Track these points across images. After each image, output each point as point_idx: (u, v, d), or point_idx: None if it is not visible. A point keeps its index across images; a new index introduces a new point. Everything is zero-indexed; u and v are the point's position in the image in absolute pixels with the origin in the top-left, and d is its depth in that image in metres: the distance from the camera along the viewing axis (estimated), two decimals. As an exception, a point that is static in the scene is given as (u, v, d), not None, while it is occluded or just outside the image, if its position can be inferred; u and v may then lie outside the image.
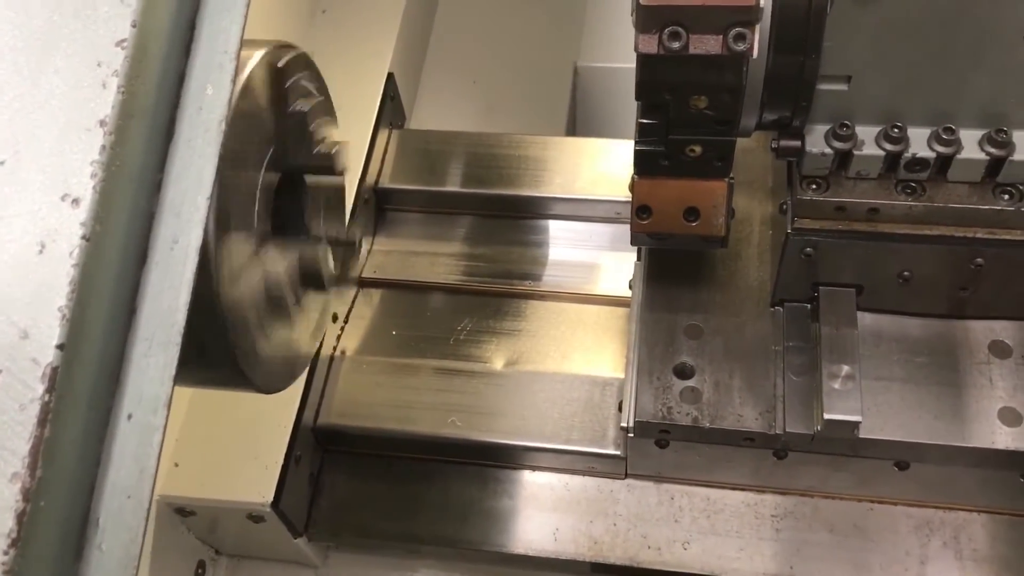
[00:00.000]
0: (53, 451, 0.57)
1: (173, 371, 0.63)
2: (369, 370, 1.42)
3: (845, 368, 1.15)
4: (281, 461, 1.29)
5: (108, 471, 0.62)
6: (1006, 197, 1.11)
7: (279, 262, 1.03)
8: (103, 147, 0.62)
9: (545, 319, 1.48)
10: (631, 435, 1.25)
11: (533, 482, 1.35)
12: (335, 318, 1.46)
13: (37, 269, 0.60)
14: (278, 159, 1.02)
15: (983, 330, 1.22)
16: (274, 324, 1.03)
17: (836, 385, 1.14)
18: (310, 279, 1.10)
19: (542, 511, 1.32)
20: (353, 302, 1.50)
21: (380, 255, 1.56)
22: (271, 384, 1.06)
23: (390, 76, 1.68)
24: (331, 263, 1.17)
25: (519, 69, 2.06)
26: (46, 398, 0.57)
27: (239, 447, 1.29)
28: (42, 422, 0.57)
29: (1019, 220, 1.12)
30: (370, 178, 1.55)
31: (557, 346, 1.45)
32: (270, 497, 1.26)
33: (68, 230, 0.60)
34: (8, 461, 0.56)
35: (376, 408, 1.38)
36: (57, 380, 0.58)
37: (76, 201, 0.61)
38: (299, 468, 1.33)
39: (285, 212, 1.08)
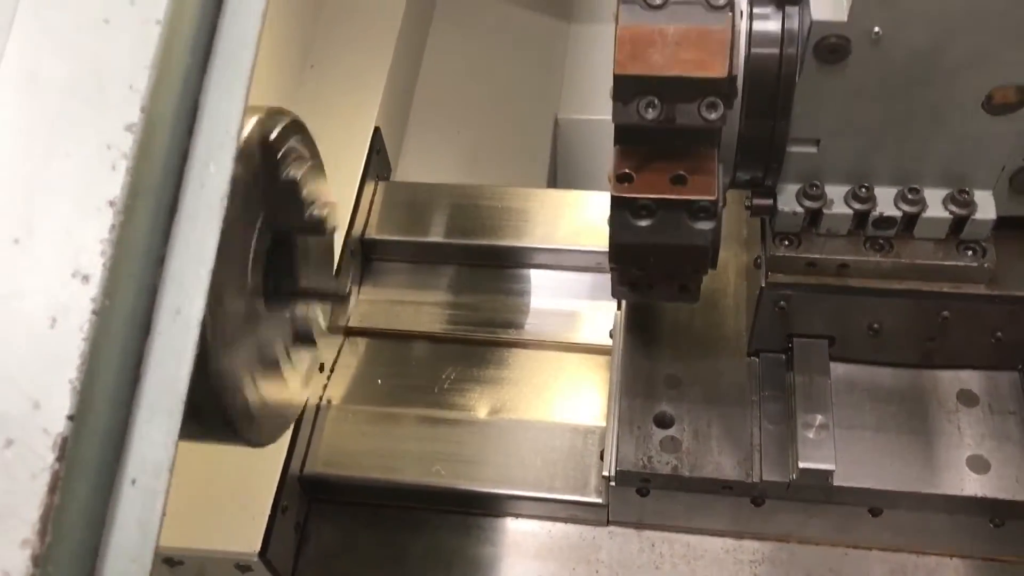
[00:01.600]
0: (61, 518, 0.60)
1: (175, 437, 0.66)
2: (355, 419, 1.44)
3: (819, 418, 1.19)
4: (268, 511, 1.31)
5: (112, 535, 0.64)
6: (969, 253, 1.16)
7: (271, 322, 1.07)
8: (112, 226, 0.66)
9: (528, 367, 1.51)
10: (612, 484, 1.27)
11: (517, 530, 1.37)
12: (321, 368, 1.49)
13: (49, 343, 0.63)
14: (269, 222, 1.06)
15: (951, 380, 1.26)
16: (265, 382, 1.06)
17: (810, 435, 1.18)
18: (301, 336, 1.13)
19: (525, 559, 1.34)
20: (339, 351, 1.53)
21: (366, 304, 1.59)
22: (261, 439, 1.09)
23: (376, 130, 1.72)
24: (321, 319, 1.20)
25: (502, 121, 2.10)
26: (56, 467, 0.60)
27: (226, 496, 1.31)
28: (52, 490, 0.60)
29: (982, 275, 1.16)
30: (356, 230, 1.59)
31: (540, 394, 1.48)
32: (257, 546, 1.27)
33: (79, 305, 0.63)
34: (19, 529, 0.58)
35: (361, 457, 1.41)
36: (67, 449, 0.61)
37: (86, 278, 0.65)
38: (286, 517, 1.35)
39: (276, 271, 1.12)
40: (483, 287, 1.61)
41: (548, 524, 1.38)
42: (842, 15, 0.98)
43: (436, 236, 1.63)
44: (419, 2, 2.10)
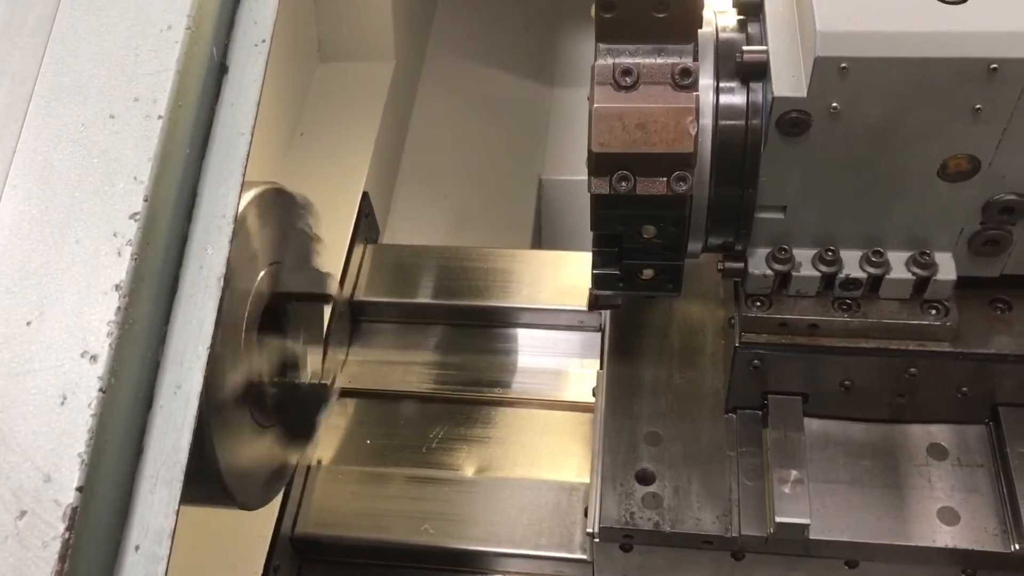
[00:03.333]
0: None
1: (176, 505, 0.72)
2: (344, 479, 1.47)
3: (794, 473, 1.21)
4: (260, 571, 1.34)
5: None
6: (933, 312, 1.20)
7: (264, 395, 1.12)
8: (118, 308, 0.73)
9: (513, 426, 1.54)
10: (596, 540, 1.29)
11: None
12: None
13: (59, 419, 0.69)
14: (264, 297, 1.11)
15: (921, 434, 1.28)
16: (260, 451, 1.11)
17: (786, 489, 1.20)
18: (293, 403, 1.18)
19: None
20: (328, 412, 1.57)
21: (355, 365, 1.61)
22: (256, 503, 1.14)
23: (365, 194, 1.77)
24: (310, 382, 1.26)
25: (487, 183, 2.16)
26: (66, 535, 0.66)
27: (219, 557, 1.35)
28: (62, 558, 0.65)
29: (946, 333, 1.20)
30: (345, 292, 1.62)
31: (525, 452, 1.50)
32: None
33: (87, 384, 0.69)
34: None
35: (351, 517, 1.43)
36: (76, 519, 0.66)
37: (94, 358, 0.71)
38: None
39: (270, 344, 1.17)
40: (469, 347, 1.63)
41: None
42: (801, 91, 1.03)
43: (423, 297, 1.65)
44: (405, 71, 2.18)
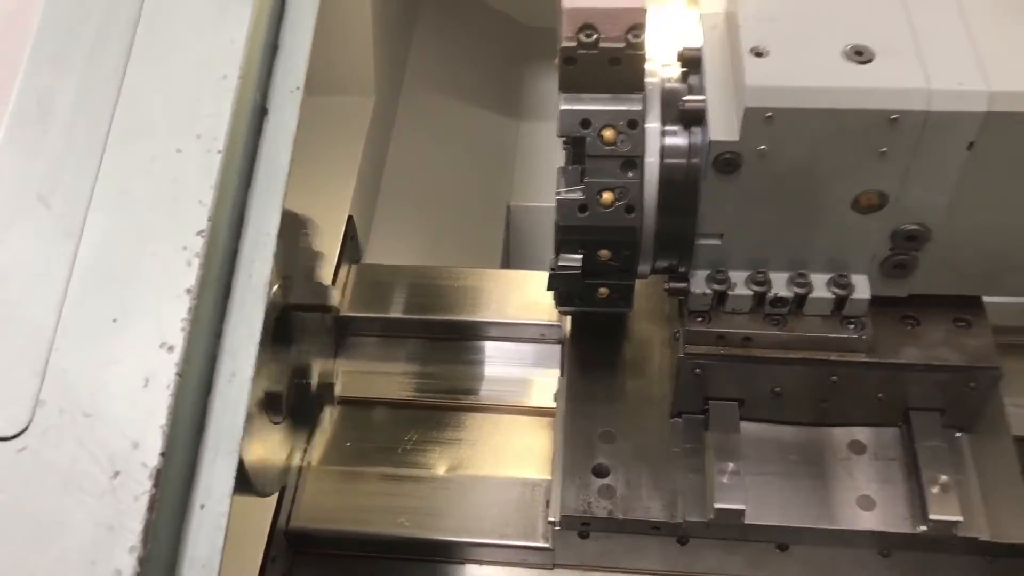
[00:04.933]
0: (156, 531, 0.78)
1: (234, 472, 0.84)
2: (331, 478, 1.52)
3: (731, 465, 1.29)
4: (259, 561, 1.39)
5: (187, 547, 0.82)
6: (851, 327, 1.27)
7: (277, 395, 1.24)
8: (190, 308, 0.85)
9: (483, 429, 1.58)
10: (557, 528, 1.36)
11: (488, 573, 1.46)
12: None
13: (144, 398, 0.81)
14: (278, 308, 1.24)
15: (843, 432, 1.36)
16: (273, 444, 1.24)
17: (724, 480, 1.28)
18: (302, 398, 1.31)
19: None
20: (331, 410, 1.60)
21: (341, 375, 1.65)
22: (271, 490, 1.27)
23: (350, 218, 1.83)
24: (315, 384, 1.38)
25: (460, 209, 2.21)
26: (153, 491, 0.78)
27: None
28: (151, 509, 0.77)
29: (862, 345, 1.27)
30: (334, 316, 1.63)
31: (493, 453, 1.55)
32: None
33: (166, 369, 0.82)
34: (127, 537, 0.76)
35: (337, 512, 1.48)
36: (159, 478, 0.79)
37: (171, 348, 0.83)
38: (275, 567, 1.42)
39: (282, 350, 1.29)
40: (443, 358, 1.67)
41: (503, 569, 1.45)
42: (734, 135, 1.11)
43: (402, 312, 1.71)
44: (384, 105, 2.22)
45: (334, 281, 1.71)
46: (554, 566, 1.44)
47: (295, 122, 1.01)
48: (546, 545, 1.42)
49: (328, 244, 1.71)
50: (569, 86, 1.16)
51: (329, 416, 1.64)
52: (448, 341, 1.70)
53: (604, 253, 1.24)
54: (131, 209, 0.89)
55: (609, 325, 1.49)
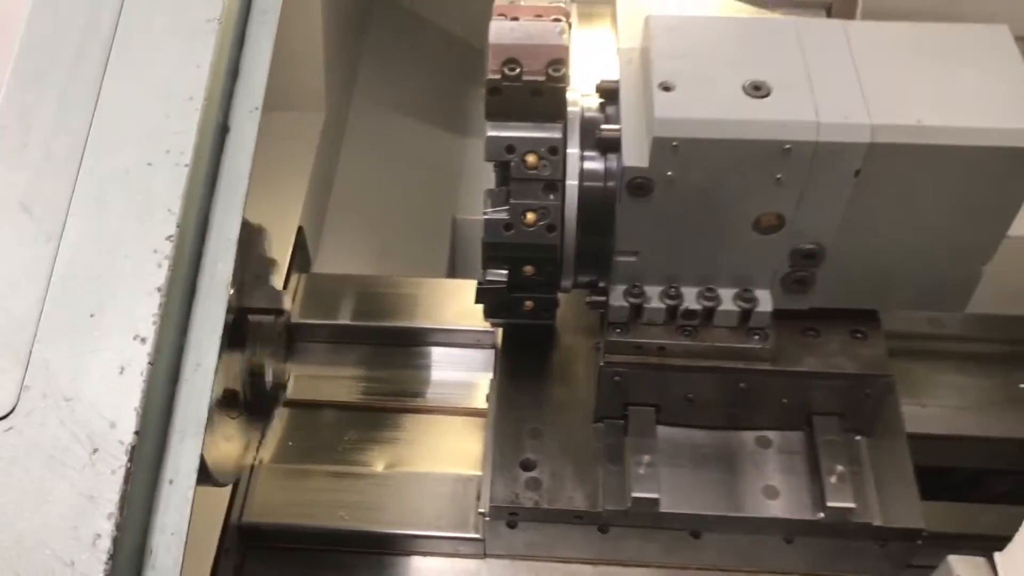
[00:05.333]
0: (131, 501, 0.87)
1: (199, 451, 0.94)
2: (281, 476, 1.56)
3: (646, 457, 1.35)
4: (214, 551, 1.44)
5: (158, 516, 0.91)
6: (756, 337, 1.31)
7: (233, 391, 1.32)
8: (160, 304, 0.94)
9: (420, 429, 1.63)
10: (487, 518, 1.40)
11: (418, 566, 1.52)
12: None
13: (119, 383, 0.91)
14: (233, 310, 1.31)
15: (752, 433, 1.41)
16: (229, 437, 1.32)
17: (640, 470, 1.34)
18: (256, 396, 1.39)
19: None
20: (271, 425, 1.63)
21: (291, 380, 1.69)
22: (227, 480, 1.35)
23: (300, 229, 1.87)
24: (269, 383, 1.47)
25: (407, 220, 2.26)
26: (128, 466, 0.87)
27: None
28: (126, 481, 0.86)
29: (766, 355, 1.32)
30: (285, 320, 1.66)
31: (429, 451, 1.60)
32: None
33: (139, 358, 0.91)
34: (106, 506, 0.86)
35: (285, 507, 1.52)
36: (134, 455, 0.88)
37: (143, 340, 0.93)
38: (228, 558, 1.47)
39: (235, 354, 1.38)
40: (386, 362, 1.72)
41: (442, 560, 1.49)
42: (645, 162, 1.16)
43: (349, 320, 1.75)
44: (334, 120, 2.28)
45: (284, 288, 1.74)
46: (486, 556, 1.49)
47: (253, 139, 1.10)
48: (477, 536, 1.47)
49: (279, 253, 1.75)
50: (495, 114, 1.21)
51: (279, 417, 1.68)
52: (391, 347, 1.75)
53: (528, 269, 1.30)
54: (106, 216, 0.99)
55: (539, 332, 1.54)
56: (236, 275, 1.31)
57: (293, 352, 1.75)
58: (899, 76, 1.19)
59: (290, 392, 1.70)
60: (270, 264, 1.51)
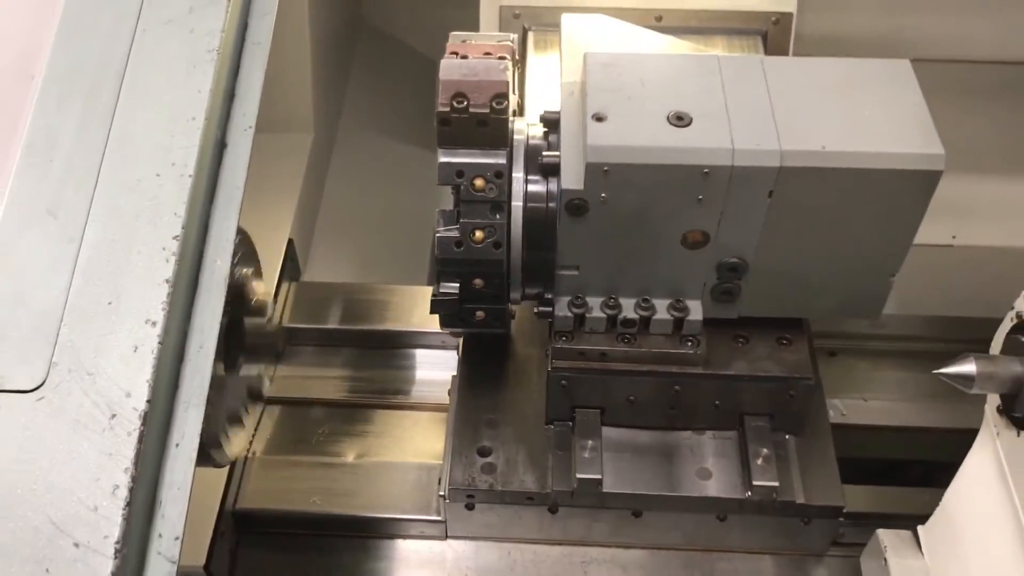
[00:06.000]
0: (143, 459, 0.98)
1: (201, 420, 1.04)
2: (271, 466, 1.68)
3: (591, 443, 1.42)
4: (210, 534, 1.53)
5: (166, 473, 1.02)
6: (689, 344, 1.38)
7: (233, 383, 1.43)
8: (168, 293, 1.04)
9: (389, 423, 1.74)
10: (447, 500, 1.48)
11: (400, 546, 1.63)
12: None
13: (134, 360, 1.01)
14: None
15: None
16: (226, 424, 1.42)
17: (585, 454, 1.41)
18: (251, 391, 1.51)
19: (411, 568, 1.62)
20: (262, 415, 1.76)
21: (281, 380, 1.82)
22: (223, 461, 1.48)
23: (290, 241, 1.96)
24: (267, 384, 1.57)
25: (390, 233, 2.39)
26: (141, 429, 0.98)
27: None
28: (140, 441, 0.97)
29: (698, 359, 1.39)
30: (273, 320, 1.80)
31: (396, 443, 1.71)
32: (202, 560, 1.50)
33: (150, 339, 1.02)
34: (123, 462, 0.96)
35: (275, 495, 1.63)
36: (146, 419, 0.99)
37: (154, 323, 1.03)
38: (223, 540, 1.56)
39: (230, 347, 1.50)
40: (367, 363, 1.83)
41: (409, 542, 1.60)
42: (580, 185, 1.23)
43: (335, 324, 1.86)
44: (322, 140, 2.42)
45: (275, 297, 1.85)
46: (447, 537, 1.59)
47: (248, 154, 1.19)
48: (439, 518, 1.56)
49: (270, 264, 1.85)
50: (445, 143, 1.28)
51: (270, 413, 1.78)
52: (370, 349, 1.85)
53: (478, 282, 1.36)
54: (121, 219, 1.10)
55: (498, 334, 1.58)
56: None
57: (283, 354, 1.86)
58: (808, 106, 1.26)
59: (283, 391, 1.80)
60: (259, 271, 1.61)
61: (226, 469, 1.61)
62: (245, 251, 1.51)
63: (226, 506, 1.60)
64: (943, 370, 1.21)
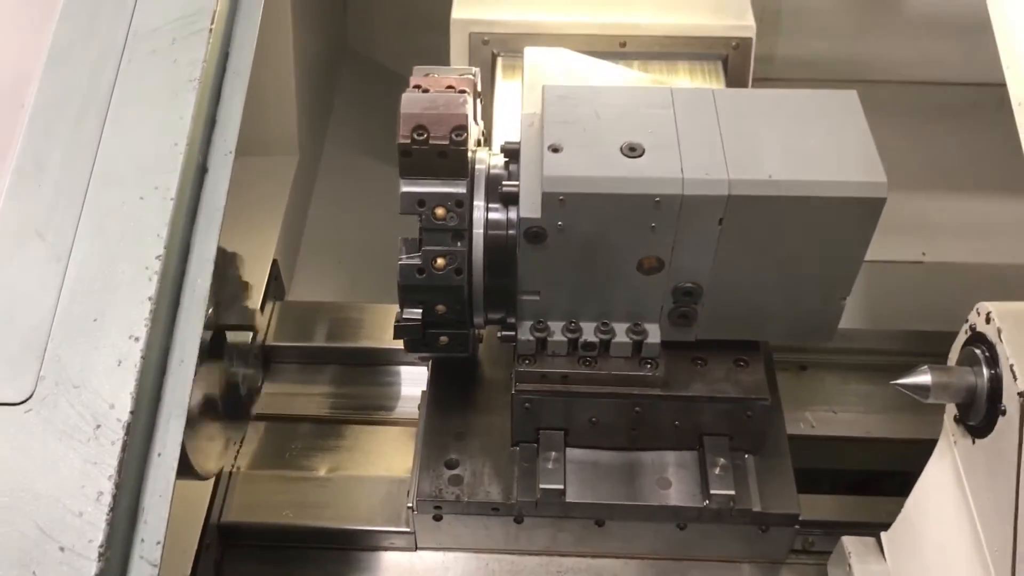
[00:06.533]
0: (127, 467, 1.01)
1: (182, 431, 1.07)
2: (255, 481, 1.72)
3: (554, 454, 1.45)
4: (195, 546, 1.56)
5: (148, 481, 1.05)
6: (648, 366, 1.40)
7: (211, 398, 1.47)
8: (151, 310, 1.08)
9: (361, 438, 1.77)
10: (415, 512, 1.50)
11: (384, 558, 1.65)
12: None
13: (117, 373, 1.05)
14: (211, 326, 1.47)
15: None
16: (209, 437, 1.47)
17: (549, 466, 1.44)
18: (232, 405, 1.55)
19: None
20: (246, 432, 1.78)
21: (267, 397, 1.86)
22: (209, 474, 1.52)
23: (274, 261, 2.00)
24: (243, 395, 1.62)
25: (373, 252, 2.26)
26: (125, 438, 1.01)
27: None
28: (123, 450, 1.01)
29: (657, 381, 1.41)
30: (259, 339, 1.84)
31: (367, 456, 1.74)
32: (187, 572, 1.53)
33: (133, 354, 1.06)
34: (107, 470, 1.00)
35: (258, 509, 1.67)
36: (129, 430, 1.03)
37: (137, 339, 1.07)
38: (208, 553, 1.60)
39: (213, 363, 1.55)
40: (354, 380, 1.87)
41: (382, 554, 1.63)
42: (538, 213, 1.26)
43: (319, 342, 1.90)
44: (307, 162, 2.46)
45: (260, 315, 1.88)
46: (417, 548, 1.61)
47: (228, 177, 1.23)
48: (408, 529, 1.58)
49: (255, 283, 1.88)
50: (407, 173, 1.31)
51: (255, 429, 1.81)
52: (358, 366, 1.89)
53: (440, 308, 1.38)
54: (106, 240, 1.14)
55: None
56: (213, 297, 1.48)
57: (268, 372, 1.89)
58: (757, 136, 1.29)
59: (267, 408, 1.83)
60: (245, 289, 1.65)
61: (211, 483, 1.65)
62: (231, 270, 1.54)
63: (211, 519, 1.63)
64: (900, 380, 1.25)
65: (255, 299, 1.87)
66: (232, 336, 1.64)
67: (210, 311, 1.42)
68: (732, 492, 1.44)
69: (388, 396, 1.85)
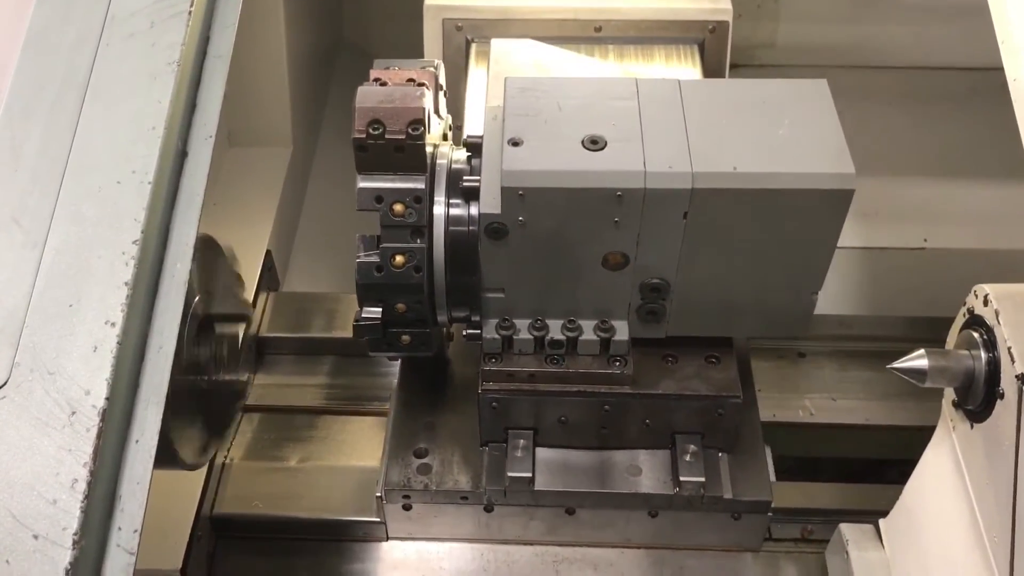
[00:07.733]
0: (102, 454, 1.01)
1: (160, 419, 1.07)
2: (246, 472, 1.73)
3: (522, 442, 1.44)
4: (187, 539, 1.57)
5: (125, 468, 1.04)
6: (616, 364, 1.39)
7: (199, 387, 1.47)
8: (127, 295, 1.08)
9: (334, 429, 1.78)
10: (385, 501, 1.51)
11: (382, 548, 1.65)
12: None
13: (93, 359, 1.05)
14: (199, 316, 1.46)
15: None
16: (195, 429, 1.47)
17: (517, 453, 1.44)
18: (221, 395, 1.55)
19: (372, 566, 1.66)
20: (239, 423, 1.81)
21: (259, 388, 1.87)
22: (195, 465, 1.52)
23: (268, 252, 2.01)
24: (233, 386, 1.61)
25: None
26: (100, 425, 1.01)
27: (154, 528, 1.56)
28: (98, 436, 1.00)
29: (626, 379, 1.40)
30: (252, 330, 1.86)
31: (340, 447, 1.75)
32: (179, 564, 1.54)
33: (109, 339, 1.06)
34: (81, 457, 1.00)
35: (248, 501, 1.68)
36: (105, 416, 1.02)
37: (113, 324, 1.06)
38: (200, 544, 1.61)
39: (202, 354, 1.54)
40: (347, 371, 1.88)
41: (353, 544, 1.63)
42: (498, 209, 1.25)
43: (311, 333, 1.92)
44: (301, 154, 2.46)
45: (253, 306, 1.90)
46: (388, 538, 1.62)
47: (208, 162, 1.21)
48: (378, 519, 1.59)
49: (248, 274, 1.90)
50: (364, 168, 1.29)
51: (248, 420, 1.83)
52: (349, 357, 1.90)
53: (400, 306, 1.37)
54: (83, 224, 1.13)
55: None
56: (203, 286, 1.47)
57: (262, 363, 1.91)
58: (723, 128, 1.27)
59: (260, 399, 1.84)
60: (237, 279, 1.65)
61: (203, 475, 1.65)
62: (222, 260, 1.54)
63: (203, 511, 1.63)
64: (896, 364, 1.24)
65: (248, 290, 1.87)
66: (224, 327, 1.65)
67: (198, 299, 1.45)
68: (702, 479, 1.43)
69: (382, 387, 1.84)
